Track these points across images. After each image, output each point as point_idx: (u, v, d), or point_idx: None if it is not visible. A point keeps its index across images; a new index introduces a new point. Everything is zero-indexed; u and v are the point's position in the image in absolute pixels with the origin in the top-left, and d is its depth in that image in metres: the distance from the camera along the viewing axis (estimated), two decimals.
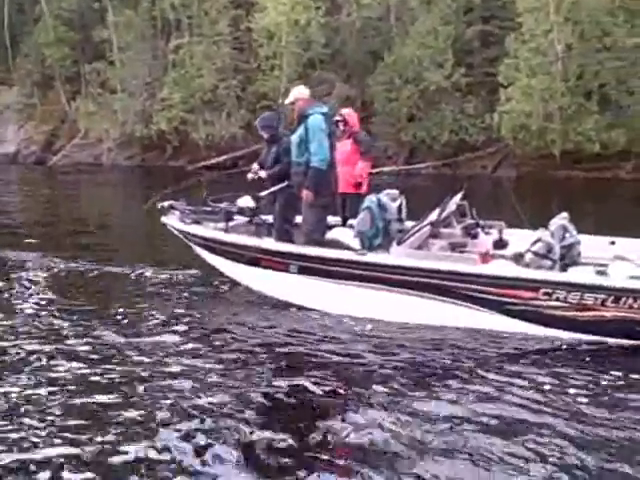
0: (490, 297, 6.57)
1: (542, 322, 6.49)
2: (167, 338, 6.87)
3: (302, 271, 7.49)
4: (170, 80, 28.86)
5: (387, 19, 27.23)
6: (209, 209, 8.76)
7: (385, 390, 5.46)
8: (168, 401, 5.28)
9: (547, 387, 5.44)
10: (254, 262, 7.90)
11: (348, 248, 7.44)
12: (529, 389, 5.41)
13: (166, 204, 8.89)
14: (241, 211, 8.36)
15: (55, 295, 8.55)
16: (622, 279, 6.29)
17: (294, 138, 7.74)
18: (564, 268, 6.80)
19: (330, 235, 7.93)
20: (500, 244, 7.78)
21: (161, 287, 8.88)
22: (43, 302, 8.22)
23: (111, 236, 13.84)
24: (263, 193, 8.13)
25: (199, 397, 5.35)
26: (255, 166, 8.56)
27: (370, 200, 7.68)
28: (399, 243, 7.09)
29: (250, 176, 8.50)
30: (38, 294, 8.58)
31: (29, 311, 7.82)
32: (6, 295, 8.57)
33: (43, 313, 7.76)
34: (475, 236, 8.11)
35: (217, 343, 6.77)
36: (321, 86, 27.42)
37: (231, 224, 8.49)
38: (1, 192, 21.72)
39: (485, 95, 25.16)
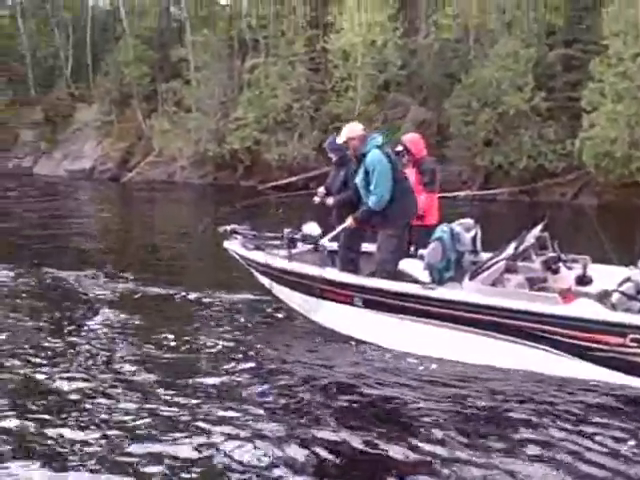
0: (571, 341, 6.09)
1: (629, 371, 5.95)
2: (215, 372, 6.72)
3: (367, 304, 7.14)
4: (244, 100, 29.01)
5: (466, 41, 26.76)
6: (272, 235, 8.52)
7: (447, 439, 5.06)
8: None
9: (630, 451, 4.91)
10: (316, 293, 7.59)
11: (417, 281, 7.05)
12: (608, 452, 4.90)
13: (228, 228, 8.69)
14: (304, 238, 8.06)
15: (115, 317, 8.46)
16: None
17: (358, 181, 7.46)
18: None
19: (399, 266, 7.55)
20: (584, 280, 7.26)
21: (220, 313, 8.70)
22: (103, 325, 8.15)
23: (179, 257, 13.74)
24: (329, 236, 7.81)
25: (247, 445, 5.06)
26: (321, 190, 8.30)
27: (442, 230, 7.27)
28: (472, 277, 6.68)
29: (316, 200, 8.24)
30: (102, 316, 8.55)
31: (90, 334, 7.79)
32: (70, 314, 8.55)
33: (101, 335, 7.70)
34: (556, 271, 7.56)
35: (268, 380, 6.54)
36: (395, 109, 27.16)
37: (295, 251, 8.21)
38: (76, 211, 22.11)
39: (566, 120, 24.31)
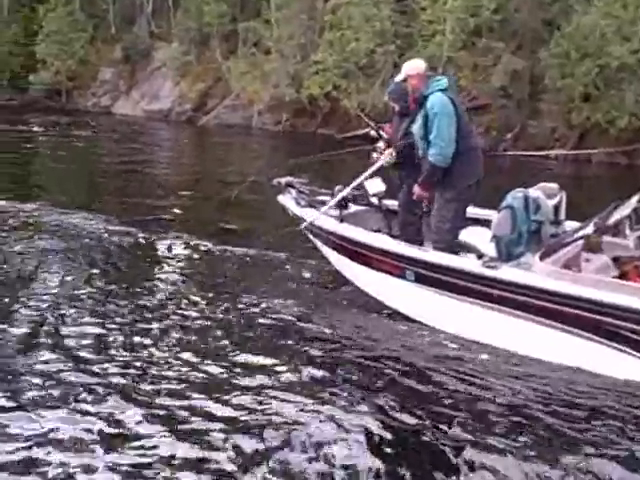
0: None
1: None
2: (247, 341, 6.24)
3: (419, 279, 6.33)
4: (325, 42, 27.96)
5: None
6: (327, 191, 7.79)
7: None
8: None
9: None
10: (365, 261, 6.83)
11: (480, 255, 6.19)
12: None
13: (283, 181, 7.99)
14: (354, 197, 7.27)
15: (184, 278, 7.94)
16: None
17: (416, 130, 6.56)
18: None
19: (462, 236, 6.68)
20: None
21: (266, 275, 8.06)
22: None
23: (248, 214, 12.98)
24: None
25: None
26: (380, 145, 7.42)
27: (513, 196, 6.33)
28: (543, 256, 5.75)
29: (374, 156, 7.39)
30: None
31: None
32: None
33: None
34: None
35: (306, 353, 5.92)
36: (486, 57, 25.62)
37: (350, 211, 7.47)
38: (149, 156, 21.82)
39: None
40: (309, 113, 29.39)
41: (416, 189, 6.59)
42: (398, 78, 6.75)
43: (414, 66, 6.67)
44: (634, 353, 5.23)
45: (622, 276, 6.49)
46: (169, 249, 9.20)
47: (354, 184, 7.21)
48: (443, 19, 25.65)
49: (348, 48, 27.16)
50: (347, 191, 7.25)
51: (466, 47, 26.01)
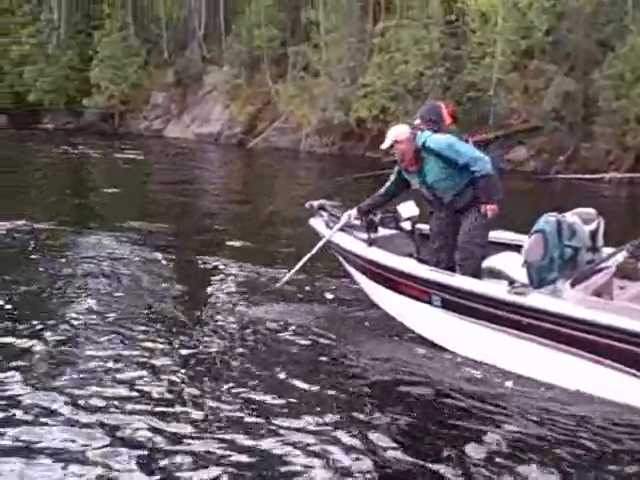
0: None
1: None
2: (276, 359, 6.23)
3: (446, 305, 6.18)
4: (373, 65, 28.01)
5: (622, 4, 24.36)
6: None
7: None
8: None
9: None
10: (393, 286, 6.72)
11: (511, 281, 6.01)
12: None
13: (315, 204, 7.91)
14: (383, 220, 7.16)
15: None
16: None
17: (435, 177, 6.45)
18: None
19: (494, 261, 6.52)
20: None
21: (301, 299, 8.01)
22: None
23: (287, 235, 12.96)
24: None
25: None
26: None
27: (546, 220, 6.13)
28: (574, 283, 5.55)
29: None
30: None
31: None
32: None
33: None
34: None
35: (326, 374, 5.85)
36: (537, 79, 25.30)
37: (380, 234, 7.35)
38: (196, 179, 22.06)
39: None
40: (357, 136, 29.40)
41: (489, 207, 6.41)
42: (384, 146, 6.56)
43: (402, 131, 6.54)
44: None
45: None
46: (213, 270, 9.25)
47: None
48: (493, 41, 25.47)
49: (397, 71, 27.17)
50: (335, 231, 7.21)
51: (517, 69, 25.77)
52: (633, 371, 5.08)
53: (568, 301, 5.46)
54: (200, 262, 9.67)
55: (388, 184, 6.95)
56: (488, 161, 6.37)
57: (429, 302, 6.32)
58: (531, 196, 20.16)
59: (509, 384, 5.60)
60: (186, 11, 38.79)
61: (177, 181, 20.43)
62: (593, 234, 6.44)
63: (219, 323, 7.10)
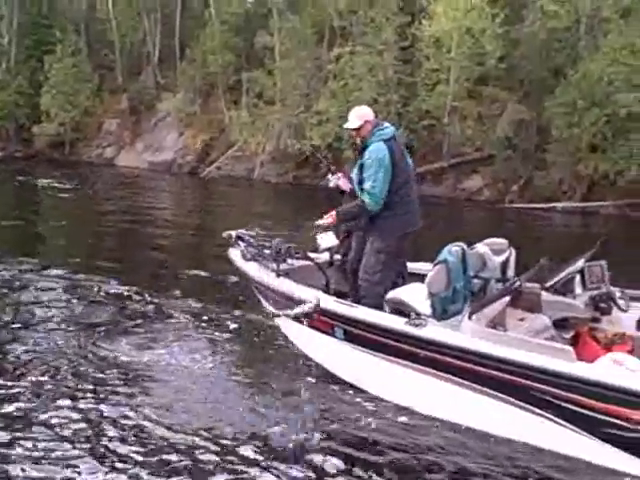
0: (581, 411, 4.84)
1: None
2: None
3: (348, 337, 6.13)
4: (327, 92, 28.19)
5: (575, 31, 24.84)
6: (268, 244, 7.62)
7: None
8: None
9: None
10: (299, 318, 6.66)
11: (410, 313, 5.97)
12: None
13: (233, 233, 7.84)
14: (289, 251, 7.11)
15: None
16: None
17: (354, 176, 6.54)
18: None
19: (399, 293, 6.49)
20: None
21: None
22: None
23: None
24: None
25: None
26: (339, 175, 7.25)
27: (449, 251, 6.11)
28: (470, 315, 5.53)
29: (331, 180, 7.19)
30: None
31: None
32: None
33: None
34: (605, 311, 6.38)
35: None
36: (492, 106, 25.68)
37: (294, 264, 7.30)
38: (143, 210, 21.79)
39: None
40: (312, 164, 29.46)
41: (332, 214, 6.47)
42: (354, 125, 6.60)
43: (368, 112, 6.63)
44: (560, 421, 4.95)
45: (575, 338, 6.29)
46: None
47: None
48: (447, 67, 25.79)
49: (351, 98, 27.25)
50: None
51: (471, 96, 26.10)
52: (522, 404, 5.05)
53: (464, 333, 5.44)
54: (143, 296, 9.44)
55: None
56: (373, 200, 6.29)
57: (332, 334, 6.26)
58: (485, 226, 20.34)
59: (404, 419, 5.55)
60: (140, 36, 38.76)
61: (126, 211, 20.18)
62: (504, 265, 6.44)
63: (146, 363, 6.94)
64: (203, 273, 11.14)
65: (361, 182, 6.43)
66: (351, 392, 6.13)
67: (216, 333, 7.88)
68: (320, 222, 6.55)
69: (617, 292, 6.42)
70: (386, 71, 26.99)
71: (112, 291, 9.72)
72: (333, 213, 6.49)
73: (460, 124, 25.64)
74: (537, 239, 17.95)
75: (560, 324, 6.22)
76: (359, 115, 6.56)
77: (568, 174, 23.62)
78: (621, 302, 6.36)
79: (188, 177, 32.88)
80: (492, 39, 25.17)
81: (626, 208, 22.47)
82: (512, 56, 25.94)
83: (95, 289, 9.76)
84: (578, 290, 6.42)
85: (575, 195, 23.56)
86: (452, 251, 6.09)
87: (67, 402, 5.94)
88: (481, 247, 6.37)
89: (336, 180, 7.06)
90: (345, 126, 6.74)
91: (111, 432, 5.48)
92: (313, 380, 6.46)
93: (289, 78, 29.64)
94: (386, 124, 6.71)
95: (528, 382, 4.98)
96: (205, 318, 8.43)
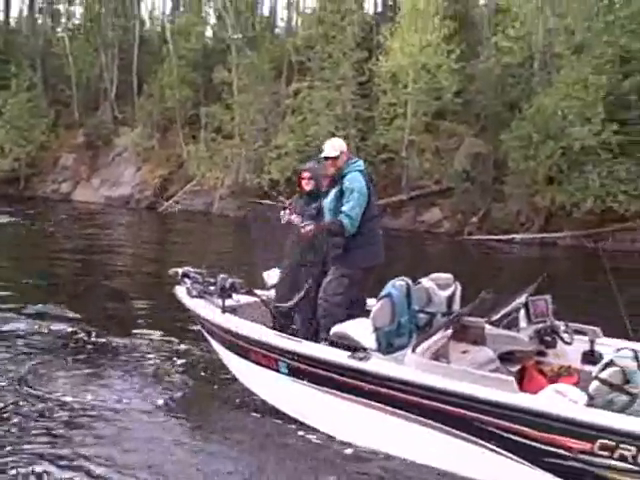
0: (523, 441, 4.84)
1: None
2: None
3: (292, 372, 6.09)
4: (286, 126, 28.36)
5: (529, 66, 25.41)
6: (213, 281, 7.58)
7: None
8: None
9: None
10: (244, 354, 6.62)
11: (355, 347, 5.96)
12: None
13: (180, 271, 7.79)
14: (233, 286, 7.08)
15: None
16: None
17: (327, 203, 6.53)
18: None
19: (345, 327, 6.47)
20: (591, 358, 6.11)
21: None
22: None
23: None
24: None
25: None
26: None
27: (393, 285, 6.15)
28: (414, 348, 5.54)
29: (285, 217, 7.15)
30: None
31: None
32: None
33: None
34: (550, 345, 6.46)
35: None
36: (449, 140, 26.04)
37: (240, 300, 7.27)
38: (98, 247, 21.53)
39: None
40: (271, 198, 29.47)
41: (312, 226, 6.45)
42: (333, 153, 6.62)
43: (343, 144, 6.77)
44: (502, 452, 4.95)
45: (521, 372, 6.33)
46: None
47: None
48: (404, 102, 26.11)
49: (309, 132, 27.51)
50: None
51: (428, 130, 26.45)
52: (466, 435, 5.04)
53: (408, 365, 5.44)
54: (90, 332, 9.29)
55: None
56: (350, 224, 6.38)
57: (277, 369, 6.22)
58: (445, 258, 20.50)
59: (349, 452, 5.52)
60: (97, 71, 38.70)
61: (80, 248, 19.89)
62: (449, 300, 6.48)
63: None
64: (153, 309, 11.05)
65: (337, 208, 6.47)
66: (295, 427, 6.08)
67: (162, 369, 7.83)
68: (305, 226, 6.46)
69: (561, 325, 6.52)
70: (344, 106, 27.26)
71: (59, 327, 9.59)
72: (312, 226, 6.44)
73: (418, 157, 25.92)
74: (497, 270, 18.16)
75: (506, 358, 6.26)
76: (335, 146, 6.69)
77: (525, 206, 23.97)
78: (565, 335, 6.44)
79: (146, 212, 32.66)
80: (448, 74, 25.60)
81: (583, 239, 22.83)
82: (468, 91, 26.41)
83: (42, 325, 9.61)
84: (523, 324, 6.50)
85: (533, 226, 23.89)
86: (396, 285, 6.13)
87: (6, 446, 5.79)
88: (426, 282, 6.42)
89: (288, 216, 7.06)
90: (323, 155, 6.71)
91: (55, 472, 5.36)
92: (258, 415, 6.40)
93: (247, 113, 29.78)
94: (356, 158, 6.87)
95: (470, 413, 4.99)
96: (152, 354, 8.36)
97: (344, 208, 6.40)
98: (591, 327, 6.47)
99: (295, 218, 6.97)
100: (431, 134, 26.39)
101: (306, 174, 7.22)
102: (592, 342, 6.26)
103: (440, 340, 5.48)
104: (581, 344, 6.29)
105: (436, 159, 25.96)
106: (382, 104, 26.75)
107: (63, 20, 41.02)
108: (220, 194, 31.07)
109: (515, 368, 6.35)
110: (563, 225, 23.57)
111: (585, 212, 22.70)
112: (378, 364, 5.52)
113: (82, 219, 28.70)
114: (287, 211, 7.10)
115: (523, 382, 6.27)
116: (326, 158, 6.66)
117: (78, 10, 41.64)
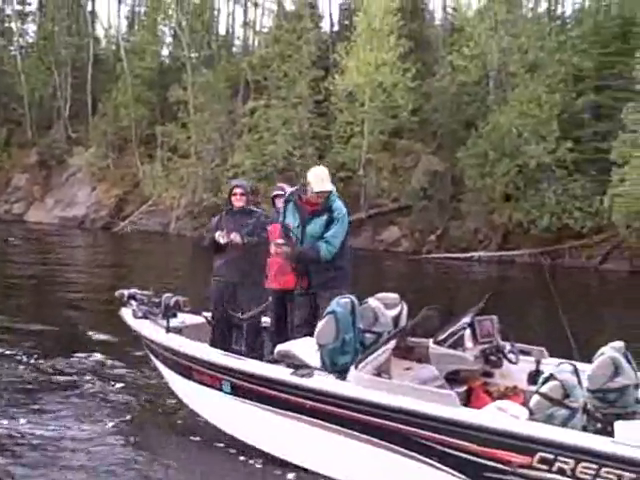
0: (463, 455, 4.86)
1: None
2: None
3: (235, 391, 6.05)
4: (242, 145, 28.39)
5: (484, 84, 25.84)
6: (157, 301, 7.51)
7: None
8: None
9: None
10: (187, 373, 6.56)
11: (299, 365, 5.94)
12: None
13: (126, 292, 7.68)
14: (177, 305, 7.04)
15: None
16: None
17: (313, 230, 6.46)
18: (605, 424, 5.01)
19: (290, 345, 6.46)
20: (537, 378, 6.14)
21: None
22: None
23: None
24: None
25: None
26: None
27: (337, 303, 6.13)
28: (357, 365, 5.54)
29: (222, 238, 7.04)
30: None
31: None
32: None
33: None
34: (496, 365, 6.50)
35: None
36: (406, 158, 26.29)
37: (186, 320, 7.22)
38: (49, 270, 21.18)
39: (595, 174, 23.07)
40: None
41: (287, 248, 6.40)
42: (329, 187, 6.46)
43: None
44: (443, 467, 4.96)
45: (468, 392, 6.37)
46: None
47: None
48: (361, 120, 26.32)
49: (266, 151, 27.59)
50: None
51: (386, 149, 26.68)
52: (406, 451, 5.04)
53: (350, 382, 5.43)
54: (36, 360, 9.02)
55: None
56: (331, 252, 6.39)
57: (219, 388, 6.18)
58: (403, 278, 20.55)
59: (291, 477, 5.50)
60: (51, 90, 38.36)
61: (31, 272, 19.47)
62: (396, 319, 6.48)
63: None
64: (100, 333, 10.86)
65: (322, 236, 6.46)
66: (240, 449, 6.03)
67: (104, 392, 7.68)
68: (280, 245, 6.41)
69: (507, 346, 6.56)
70: (301, 124, 27.39)
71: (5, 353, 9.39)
72: (288, 249, 6.41)
73: (376, 176, 26.11)
74: (455, 290, 18.27)
75: (452, 378, 6.31)
76: (328, 179, 6.55)
77: (483, 223, 24.28)
78: (511, 355, 6.48)
79: (101, 232, 32.37)
80: (404, 93, 25.93)
81: (540, 256, 23.15)
82: (424, 109, 26.73)
83: None
84: (469, 344, 6.52)
85: (491, 244, 24.19)
86: (341, 303, 6.10)
87: None
88: (373, 301, 6.39)
89: (226, 236, 6.96)
90: (317, 190, 6.39)
91: None
92: (201, 439, 6.33)
93: (203, 132, 29.78)
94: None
95: (410, 429, 4.98)
96: (94, 377, 8.20)
97: (327, 234, 6.41)
98: (537, 347, 6.50)
99: (235, 237, 6.92)
100: (388, 152, 26.63)
101: (238, 190, 7.20)
102: (538, 362, 6.27)
103: (382, 356, 5.49)
104: (527, 364, 6.32)
105: (394, 177, 26.19)
106: (339, 122, 27.00)
107: (15, 38, 40.64)
108: (177, 214, 30.94)
109: (462, 388, 6.39)
110: (520, 242, 23.89)
111: (542, 229, 23.08)
112: (320, 381, 5.50)
113: (35, 240, 28.28)
114: (223, 232, 7.00)
115: (470, 402, 6.32)
116: (322, 192, 6.43)
117: (31, 28, 41.38)
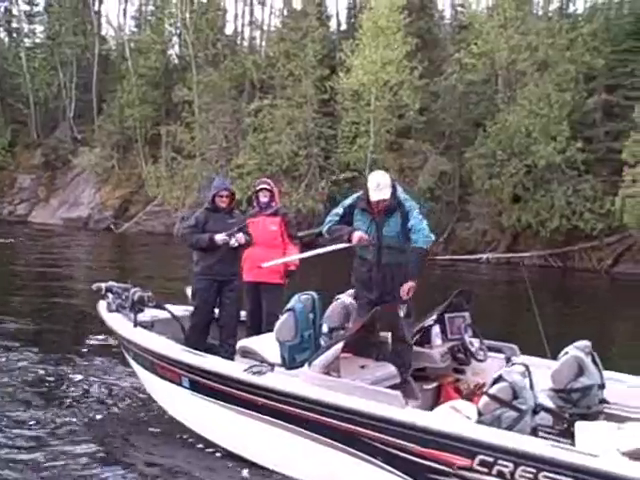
0: (406, 456, 4.95)
1: None
2: None
3: (193, 386, 6.24)
4: (247, 145, 28.59)
5: (493, 83, 25.86)
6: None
7: None
8: None
9: None
10: (152, 368, 6.76)
11: (259, 361, 6.10)
12: None
13: (103, 285, 7.87)
14: (142, 300, 7.22)
15: None
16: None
17: (389, 230, 6.26)
18: (570, 424, 5.12)
19: (250, 342, 6.63)
20: None
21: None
22: None
23: None
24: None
25: None
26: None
27: (298, 299, 6.28)
28: (310, 363, 5.68)
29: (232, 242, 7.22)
30: None
31: None
32: None
33: None
34: (463, 362, 6.64)
35: None
36: (413, 158, 26.36)
37: (157, 315, 7.41)
38: (50, 272, 21.38)
39: (606, 175, 23.03)
40: None
41: (411, 284, 6.12)
42: (388, 194, 6.19)
43: (388, 177, 6.42)
44: (386, 467, 5.06)
45: (438, 390, 6.50)
46: None
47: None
48: (367, 120, 26.42)
49: (271, 151, 27.77)
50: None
51: (392, 149, 26.76)
52: (353, 450, 5.13)
53: (300, 380, 5.57)
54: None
55: (334, 219, 6.47)
56: (429, 235, 6.23)
57: (180, 384, 6.35)
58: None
59: (245, 473, 5.65)
60: (56, 90, 38.74)
61: (35, 276, 19.59)
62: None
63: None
64: (102, 334, 11.08)
65: (402, 231, 6.24)
66: (205, 443, 6.20)
67: (83, 390, 7.85)
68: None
69: (476, 343, 6.67)
70: (306, 124, 27.52)
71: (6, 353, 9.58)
72: (413, 283, 6.16)
73: None
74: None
75: (421, 375, 6.44)
76: (388, 184, 6.27)
77: (491, 225, 24.25)
78: (480, 353, 6.59)
79: (105, 233, 32.58)
80: (411, 92, 25.93)
81: (549, 258, 23.17)
82: (432, 109, 26.75)
83: None
84: (437, 341, 6.64)
85: (499, 246, 24.16)
86: (301, 299, 6.21)
87: None
88: (346, 298, 6.46)
89: (236, 238, 7.16)
90: (377, 198, 6.20)
91: None
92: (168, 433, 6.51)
93: (208, 132, 29.97)
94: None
95: (355, 428, 5.05)
96: (74, 375, 8.39)
97: (423, 225, 6.18)
98: (509, 345, 6.61)
99: (241, 238, 7.15)
100: (395, 152, 26.69)
101: (225, 192, 7.38)
102: (508, 360, 6.36)
103: (333, 354, 5.59)
104: (499, 362, 6.41)
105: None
106: (345, 122, 27.05)
107: (21, 38, 41.06)
108: (181, 215, 31.13)
109: (431, 386, 6.52)
110: (530, 244, 23.88)
111: (551, 231, 23.03)
112: (271, 379, 5.64)
113: (40, 241, 28.50)
114: (239, 235, 7.19)
115: (439, 400, 6.44)
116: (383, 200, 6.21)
117: (38, 28, 41.82)
